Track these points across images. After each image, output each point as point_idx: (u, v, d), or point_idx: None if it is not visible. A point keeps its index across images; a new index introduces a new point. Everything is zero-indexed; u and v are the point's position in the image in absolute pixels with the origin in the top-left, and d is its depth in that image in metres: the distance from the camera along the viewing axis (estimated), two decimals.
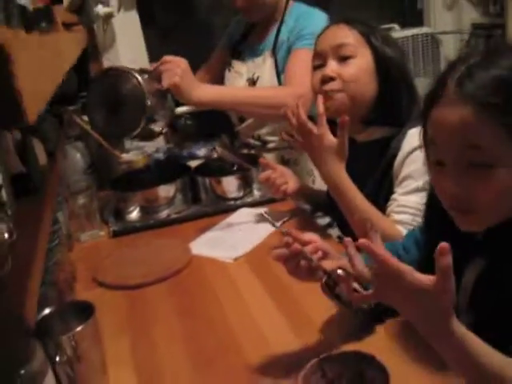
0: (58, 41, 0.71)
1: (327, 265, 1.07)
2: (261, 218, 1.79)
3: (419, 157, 1.32)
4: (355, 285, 1.07)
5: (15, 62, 0.32)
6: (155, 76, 1.67)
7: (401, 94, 1.42)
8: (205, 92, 1.74)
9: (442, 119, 0.90)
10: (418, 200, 1.33)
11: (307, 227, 1.70)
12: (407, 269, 0.82)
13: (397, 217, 1.36)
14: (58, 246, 1.38)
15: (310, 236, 1.10)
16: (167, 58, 1.70)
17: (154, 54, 2.92)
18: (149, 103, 1.63)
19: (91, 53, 2.62)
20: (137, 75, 1.63)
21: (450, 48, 3.37)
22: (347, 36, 1.43)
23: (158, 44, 3.04)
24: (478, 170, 0.88)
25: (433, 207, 1.07)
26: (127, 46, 2.80)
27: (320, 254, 1.09)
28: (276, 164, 1.78)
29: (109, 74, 1.69)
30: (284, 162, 2.13)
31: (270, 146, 2.15)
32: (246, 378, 1.09)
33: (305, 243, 1.07)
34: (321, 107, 1.34)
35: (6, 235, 0.81)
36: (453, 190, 0.91)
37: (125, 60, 2.76)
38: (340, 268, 1.07)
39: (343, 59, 1.42)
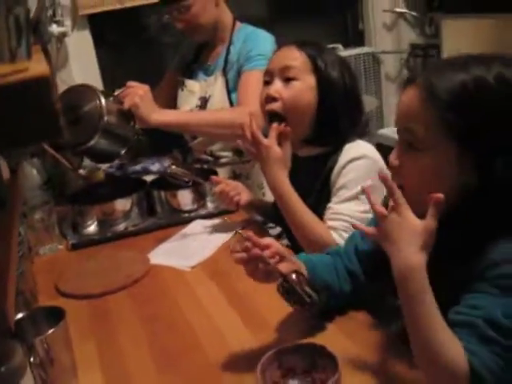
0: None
1: (283, 268, 1.16)
2: (215, 229, 1.88)
3: (353, 168, 1.47)
4: (307, 288, 1.16)
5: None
6: (119, 99, 1.78)
7: (341, 117, 1.53)
8: (163, 115, 1.88)
9: (401, 98, 1.04)
10: (351, 207, 1.46)
11: (259, 237, 1.80)
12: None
13: (331, 223, 1.48)
14: (23, 257, 1.44)
15: (268, 241, 1.18)
16: (131, 83, 1.83)
17: (106, 73, 2.99)
18: (105, 119, 1.73)
19: None
20: (99, 94, 1.72)
21: (390, 66, 3.54)
22: (295, 59, 1.54)
23: (109, 63, 3.10)
24: (411, 150, 1.01)
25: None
26: (80, 65, 2.86)
27: (277, 258, 1.17)
28: (227, 180, 1.88)
29: (73, 90, 1.79)
30: (236, 176, 2.24)
31: (222, 161, 2.24)
32: (208, 375, 1.17)
33: (263, 248, 1.15)
34: (254, 125, 1.48)
35: None
36: (392, 163, 1.06)
37: (78, 79, 2.81)
38: (295, 272, 1.18)
39: (287, 80, 1.53)
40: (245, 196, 1.82)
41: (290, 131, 1.47)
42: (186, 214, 2.02)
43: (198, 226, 1.95)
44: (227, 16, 2.23)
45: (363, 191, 1.07)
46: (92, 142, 1.78)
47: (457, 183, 0.99)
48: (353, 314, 1.30)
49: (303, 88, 1.52)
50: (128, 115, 1.83)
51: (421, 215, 0.99)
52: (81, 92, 1.79)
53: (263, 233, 1.86)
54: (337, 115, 1.52)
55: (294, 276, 1.16)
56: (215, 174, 2.10)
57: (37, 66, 0.48)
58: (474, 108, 0.96)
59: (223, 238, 1.82)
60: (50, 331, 1.08)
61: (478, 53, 1.04)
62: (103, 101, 1.74)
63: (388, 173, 1.08)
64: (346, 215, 1.46)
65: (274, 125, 1.49)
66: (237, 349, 1.23)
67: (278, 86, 1.54)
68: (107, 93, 1.82)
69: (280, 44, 1.66)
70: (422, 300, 0.92)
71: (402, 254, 0.94)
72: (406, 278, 0.94)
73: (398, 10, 3.45)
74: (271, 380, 1.04)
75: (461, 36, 3.08)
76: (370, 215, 1.41)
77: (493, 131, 0.95)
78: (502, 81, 0.96)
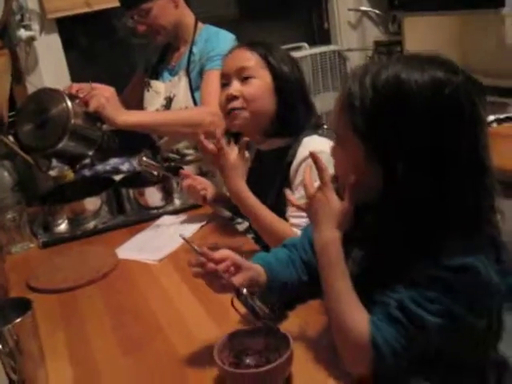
0: (4, 66, 0.85)
1: (237, 280, 1.19)
2: (181, 224, 1.95)
3: (309, 164, 1.53)
4: (258, 302, 1.20)
5: None
6: (84, 101, 1.84)
7: (297, 108, 1.62)
8: (129, 116, 1.94)
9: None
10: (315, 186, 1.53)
11: (227, 232, 1.88)
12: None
13: (293, 220, 1.56)
14: None
15: (223, 253, 1.22)
16: (95, 85, 1.88)
17: (76, 76, 3.04)
18: (72, 122, 1.79)
19: (14, 75, 2.71)
20: (66, 97, 1.78)
21: (355, 64, 3.61)
22: (248, 59, 1.62)
23: (79, 66, 3.15)
24: (336, 145, 1.13)
25: None
26: (50, 68, 2.91)
27: (232, 269, 1.21)
28: (195, 175, 1.95)
29: (42, 93, 1.84)
30: (202, 173, 2.30)
31: (188, 158, 2.31)
32: (171, 360, 1.23)
33: (218, 261, 1.19)
34: (218, 132, 1.55)
35: None
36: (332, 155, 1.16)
37: (48, 82, 2.86)
38: (249, 285, 1.21)
39: (245, 79, 1.61)
40: (211, 190, 1.89)
41: (246, 142, 1.55)
42: (154, 211, 2.08)
43: (165, 221, 2.01)
44: (188, 17, 2.29)
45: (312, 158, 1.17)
46: (60, 145, 1.84)
47: (369, 183, 1.06)
48: (310, 302, 1.37)
49: (261, 84, 1.61)
50: (94, 117, 1.89)
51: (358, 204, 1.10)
52: (47, 95, 1.85)
53: (230, 228, 1.93)
54: (293, 106, 1.61)
55: (245, 290, 1.18)
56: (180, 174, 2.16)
57: None
58: (379, 117, 1.00)
59: (189, 232, 1.88)
60: (18, 320, 1.14)
61: (393, 56, 1.11)
62: (69, 104, 1.79)
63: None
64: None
65: (218, 132, 1.55)
66: (199, 336, 1.30)
67: (236, 85, 1.62)
68: (73, 95, 1.87)
69: (231, 48, 1.72)
70: (334, 270, 1.06)
71: (320, 229, 1.10)
72: (321, 250, 1.09)
73: (363, 8, 3.54)
74: (228, 361, 1.11)
75: (422, 33, 3.18)
76: None
77: (394, 135, 0.99)
78: (408, 85, 0.98)
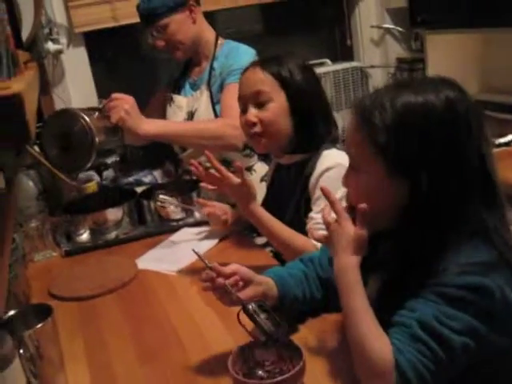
0: (33, 79, 0.89)
1: (245, 294, 1.23)
2: (201, 236, 1.98)
3: (328, 177, 1.56)
4: (263, 317, 1.19)
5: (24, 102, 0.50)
6: (104, 112, 1.87)
7: (315, 122, 1.63)
8: (150, 126, 1.96)
9: (349, 120, 1.13)
10: (332, 216, 1.54)
11: (246, 245, 1.90)
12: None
13: (314, 233, 1.56)
14: (16, 262, 1.53)
15: (232, 268, 1.25)
16: (115, 95, 1.92)
17: (101, 88, 3.10)
18: (97, 140, 1.82)
19: (41, 87, 2.77)
20: (85, 116, 1.81)
21: (378, 80, 3.64)
22: (262, 82, 1.62)
23: (105, 78, 3.21)
24: (352, 171, 1.13)
25: None
26: (76, 80, 2.96)
27: (241, 284, 1.24)
28: (213, 202, 1.97)
29: (60, 116, 1.88)
30: None
31: (210, 171, 2.33)
32: (187, 368, 1.26)
33: (227, 276, 1.22)
34: (214, 162, 1.61)
35: None
36: (344, 182, 1.17)
37: (74, 94, 2.92)
38: (259, 299, 1.23)
39: (261, 105, 1.62)
40: (231, 214, 1.92)
41: (241, 168, 1.58)
42: (175, 223, 2.11)
43: (185, 233, 2.04)
44: (208, 32, 2.32)
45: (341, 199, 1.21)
46: (89, 165, 1.88)
47: (392, 202, 1.08)
48: (325, 315, 1.39)
49: (277, 106, 1.62)
50: (115, 128, 1.91)
51: (378, 229, 1.12)
52: (66, 116, 1.88)
53: (249, 242, 1.95)
54: (310, 122, 1.63)
55: (251, 306, 1.20)
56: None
57: (15, 85, 0.58)
58: (402, 131, 1.03)
59: (208, 244, 1.92)
60: (39, 325, 1.17)
61: (408, 78, 1.14)
62: (90, 123, 1.82)
63: None
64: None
65: (236, 164, 1.59)
66: (214, 345, 1.33)
67: (254, 111, 1.64)
68: (92, 108, 1.90)
69: (244, 69, 1.72)
70: (353, 295, 1.06)
71: (338, 257, 1.11)
72: (339, 275, 1.09)
73: (385, 25, 3.55)
74: (242, 371, 1.13)
75: (445, 50, 3.18)
76: None
77: (416, 147, 1.03)
78: (425, 106, 1.04)
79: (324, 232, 1.52)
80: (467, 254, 1.02)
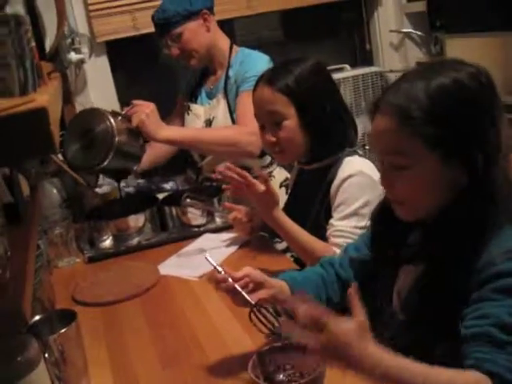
0: (56, 90, 0.92)
1: (256, 297, 1.24)
2: (222, 242, 1.99)
3: (350, 185, 1.57)
4: (270, 317, 1.24)
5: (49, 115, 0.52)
6: (127, 117, 1.91)
7: (329, 126, 1.63)
8: (168, 131, 2.00)
9: (373, 128, 1.13)
10: (352, 224, 1.58)
11: (266, 251, 1.92)
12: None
13: (334, 240, 1.60)
14: (41, 268, 1.56)
15: (244, 271, 1.27)
16: (137, 101, 1.95)
17: (123, 96, 3.14)
18: (117, 139, 1.86)
19: (64, 96, 2.82)
20: (109, 116, 1.86)
21: None
22: (273, 102, 1.63)
23: (126, 86, 3.25)
24: (397, 169, 1.09)
25: (379, 217, 1.29)
26: (98, 89, 3.01)
27: (251, 286, 1.26)
28: (238, 206, 1.98)
29: (84, 115, 1.92)
30: None
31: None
32: (208, 372, 1.28)
33: (238, 279, 1.25)
34: (237, 169, 1.63)
35: (3, 251, 1.02)
36: (383, 183, 1.15)
37: (96, 102, 2.96)
38: (270, 301, 1.25)
39: (277, 124, 1.64)
40: (256, 220, 1.93)
41: (266, 176, 1.62)
42: (196, 229, 2.13)
43: (206, 239, 2.06)
44: (222, 40, 2.35)
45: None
46: (106, 162, 1.91)
47: (449, 185, 1.08)
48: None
49: (293, 124, 1.63)
50: (137, 132, 1.96)
51: (422, 219, 1.13)
52: (90, 115, 1.93)
53: (270, 247, 1.96)
54: (322, 124, 1.63)
55: (258, 307, 1.23)
56: (224, 190, 2.21)
57: (40, 98, 0.60)
58: (446, 116, 1.05)
59: (229, 250, 1.93)
60: (63, 330, 1.20)
61: (422, 65, 1.15)
62: (113, 122, 1.87)
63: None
64: (346, 232, 1.58)
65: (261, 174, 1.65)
66: (235, 350, 1.35)
67: (271, 131, 1.66)
68: (115, 112, 1.94)
69: (256, 82, 1.73)
70: (394, 371, 0.91)
71: (355, 359, 0.92)
72: (372, 372, 0.91)
73: (404, 30, 3.55)
74: (262, 376, 1.15)
75: (464, 54, 3.15)
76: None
77: (464, 129, 1.04)
78: (456, 83, 1.05)
79: (346, 239, 1.54)
80: (506, 241, 1.03)
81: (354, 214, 1.58)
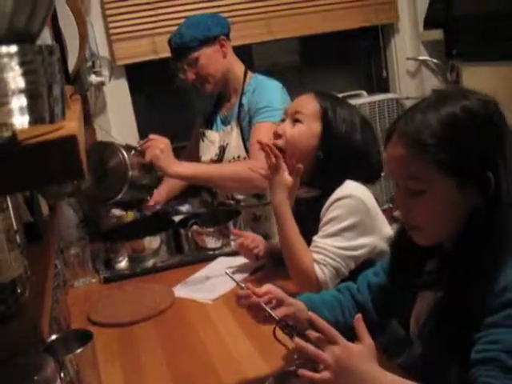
0: (80, 114, 0.95)
1: (279, 313, 1.25)
2: (236, 266, 2.00)
3: (338, 206, 1.58)
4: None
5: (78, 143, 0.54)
6: (141, 151, 1.94)
7: (339, 167, 1.63)
8: (181, 167, 2.03)
9: (388, 155, 1.16)
10: (333, 243, 1.58)
11: (280, 275, 1.90)
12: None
13: (314, 256, 1.58)
14: (58, 287, 1.58)
15: (266, 288, 1.28)
16: (152, 136, 2.00)
17: (141, 119, 3.19)
18: (130, 174, 1.89)
19: (84, 118, 2.86)
20: (122, 150, 1.89)
21: None
22: (307, 105, 1.67)
23: (144, 109, 3.30)
24: (413, 194, 1.12)
25: (397, 244, 1.31)
26: (117, 111, 3.05)
27: (274, 302, 1.27)
28: (247, 232, 2.01)
29: (98, 147, 1.96)
30: (256, 217, 2.36)
31: (243, 204, 2.37)
32: None
33: (261, 295, 1.26)
34: (276, 151, 1.60)
35: (23, 270, 1.04)
36: (400, 210, 1.17)
37: (114, 125, 3.01)
38: (287, 317, 1.26)
39: (295, 122, 1.67)
40: (263, 247, 1.94)
41: (301, 169, 1.59)
42: (211, 252, 2.15)
43: (221, 262, 2.08)
44: (238, 67, 2.36)
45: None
46: (119, 196, 1.94)
47: (464, 208, 1.10)
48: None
49: (306, 131, 1.65)
50: (150, 166, 1.98)
51: (439, 244, 1.15)
52: (104, 148, 1.95)
53: (283, 272, 1.95)
54: (335, 165, 1.63)
55: (285, 322, 1.23)
56: (239, 213, 2.24)
57: (69, 125, 0.62)
58: (457, 142, 1.08)
59: (244, 274, 1.94)
60: (79, 350, 1.21)
61: (433, 94, 1.19)
62: (126, 156, 1.89)
63: (374, 210, 1.21)
64: (327, 250, 1.57)
65: (298, 166, 1.60)
66: (250, 374, 1.35)
67: (286, 125, 1.69)
68: (129, 146, 1.97)
69: (303, 91, 1.76)
70: None
71: (371, 377, 1.02)
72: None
73: (421, 57, 3.58)
74: None
75: (480, 82, 3.18)
76: (349, 252, 1.57)
77: (476, 154, 1.08)
78: (467, 111, 1.09)
79: (324, 257, 1.56)
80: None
81: (337, 234, 1.58)
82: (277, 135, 1.69)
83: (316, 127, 1.65)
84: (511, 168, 1.10)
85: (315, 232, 1.65)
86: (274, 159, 1.59)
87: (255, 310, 1.26)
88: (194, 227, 2.15)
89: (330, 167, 1.64)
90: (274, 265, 1.99)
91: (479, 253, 1.08)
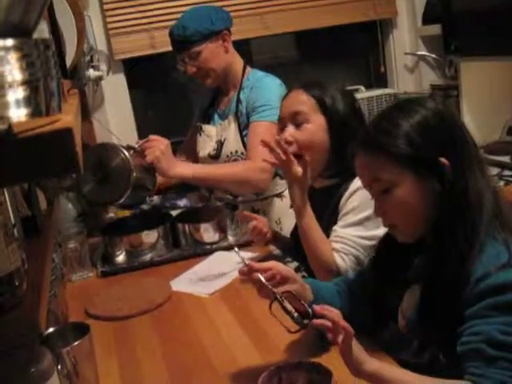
0: (77, 108, 0.95)
1: (281, 289, 1.26)
2: (234, 260, 2.00)
3: (359, 195, 1.59)
4: (289, 306, 1.24)
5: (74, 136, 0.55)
6: (140, 151, 1.94)
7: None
8: (181, 168, 2.05)
9: (356, 162, 1.24)
10: (354, 232, 1.59)
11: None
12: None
13: (334, 245, 1.59)
14: (55, 280, 1.59)
15: (269, 264, 1.29)
16: (152, 137, 2.00)
17: (139, 113, 3.19)
18: (134, 175, 1.90)
19: (82, 113, 2.86)
20: (125, 151, 1.89)
21: None
22: (302, 103, 1.65)
23: (142, 103, 3.30)
24: (383, 194, 1.19)
25: (385, 243, 1.36)
26: (115, 106, 3.05)
27: (278, 278, 1.28)
28: (256, 215, 2.00)
29: (100, 149, 1.96)
30: (254, 212, 2.35)
31: (240, 199, 2.38)
32: None
33: (262, 271, 1.27)
34: (284, 145, 1.58)
35: (20, 263, 1.04)
36: (377, 212, 1.23)
37: (112, 119, 3.01)
38: (286, 292, 1.26)
39: (299, 125, 1.65)
40: (270, 231, 1.94)
41: (306, 160, 1.58)
42: (208, 246, 2.15)
43: (218, 256, 2.08)
44: (238, 62, 2.36)
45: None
46: (123, 199, 1.94)
47: (430, 194, 1.16)
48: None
49: (315, 129, 1.64)
50: (149, 167, 1.99)
51: (416, 240, 1.21)
52: (106, 150, 1.95)
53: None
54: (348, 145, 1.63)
55: (281, 295, 1.23)
56: (236, 208, 2.24)
57: (65, 118, 0.62)
58: (410, 137, 1.15)
59: (241, 267, 1.94)
60: (76, 343, 1.22)
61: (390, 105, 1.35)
62: (129, 158, 1.89)
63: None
64: (348, 239, 1.58)
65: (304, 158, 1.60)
66: (245, 367, 1.36)
67: (291, 130, 1.66)
68: (129, 146, 1.97)
69: (288, 89, 1.76)
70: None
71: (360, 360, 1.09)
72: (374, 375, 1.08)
73: (419, 52, 3.58)
74: None
75: (479, 77, 3.19)
76: (370, 242, 1.56)
77: (432, 148, 1.16)
78: (437, 112, 1.18)
79: (345, 246, 1.58)
80: (497, 256, 1.09)
81: (359, 223, 1.59)
82: (288, 143, 1.64)
83: (320, 120, 1.64)
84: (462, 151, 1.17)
85: (326, 218, 1.66)
86: (283, 156, 1.58)
87: (259, 285, 1.26)
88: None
89: (342, 154, 1.64)
90: (275, 255, 2.02)
91: (453, 238, 1.13)
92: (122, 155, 1.90)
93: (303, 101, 1.66)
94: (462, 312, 1.08)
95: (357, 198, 1.60)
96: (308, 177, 1.60)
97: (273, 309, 1.23)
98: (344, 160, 1.63)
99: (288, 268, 1.33)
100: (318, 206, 1.73)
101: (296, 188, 1.60)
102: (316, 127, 1.64)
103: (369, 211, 1.57)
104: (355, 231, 1.58)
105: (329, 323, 1.10)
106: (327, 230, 1.65)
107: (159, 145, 1.97)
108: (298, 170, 1.58)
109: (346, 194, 1.63)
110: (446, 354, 1.13)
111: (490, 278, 1.06)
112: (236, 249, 1.39)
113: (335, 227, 1.63)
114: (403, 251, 1.27)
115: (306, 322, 1.20)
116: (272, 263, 1.30)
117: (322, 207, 1.71)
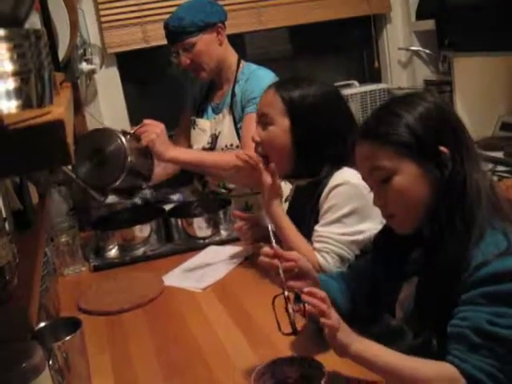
0: (69, 101, 0.94)
1: (293, 284, 1.24)
2: (226, 255, 2.01)
3: (336, 193, 1.59)
4: (290, 309, 1.23)
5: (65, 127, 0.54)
6: (136, 136, 1.93)
7: (318, 150, 1.63)
8: (176, 152, 2.05)
9: (356, 153, 1.24)
10: (333, 230, 1.60)
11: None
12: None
13: (316, 245, 1.61)
14: (47, 275, 1.57)
15: (294, 255, 1.27)
16: (147, 121, 1.98)
17: (132, 107, 3.17)
18: (129, 160, 1.88)
19: (74, 106, 2.84)
20: (120, 135, 1.88)
21: None
22: (269, 104, 1.66)
23: (135, 97, 3.28)
24: (383, 183, 1.19)
25: (382, 236, 1.36)
26: (108, 99, 3.04)
27: (296, 270, 1.25)
28: (246, 214, 2.01)
29: (95, 134, 1.95)
30: (248, 206, 2.36)
31: (234, 193, 2.37)
32: None
33: (286, 260, 1.24)
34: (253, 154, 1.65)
35: (11, 257, 1.03)
36: (376, 203, 1.23)
37: (105, 113, 3.00)
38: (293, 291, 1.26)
39: (265, 126, 1.67)
40: (258, 229, 1.95)
41: (274, 168, 1.62)
42: (201, 241, 2.15)
43: (211, 251, 2.08)
44: (231, 55, 2.35)
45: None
46: (118, 182, 1.93)
47: (429, 182, 1.17)
48: None
49: (277, 131, 1.64)
50: (146, 151, 1.98)
51: (413, 231, 1.20)
52: (101, 134, 1.95)
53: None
54: (315, 149, 1.63)
55: (286, 293, 1.21)
56: (229, 202, 2.24)
57: (57, 109, 0.62)
58: (409, 127, 1.16)
59: (234, 263, 1.94)
60: (68, 338, 1.21)
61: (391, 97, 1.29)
62: (125, 141, 1.88)
63: (371, 196, 1.23)
64: (328, 238, 1.60)
65: (270, 164, 1.64)
66: (238, 362, 1.35)
67: (259, 130, 1.69)
68: (124, 131, 1.96)
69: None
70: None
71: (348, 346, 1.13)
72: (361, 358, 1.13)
73: (413, 47, 3.57)
74: None
75: (472, 73, 3.19)
76: (351, 237, 1.58)
77: (432, 137, 1.17)
78: (437, 105, 1.20)
79: (326, 245, 1.59)
80: (496, 243, 1.10)
81: (337, 221, 1.60)
82: (256, 143, 1.69)
83: (285, 123, 1.64)
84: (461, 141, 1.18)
85: (307, 216, 1.67)
86: (255, 171, 1.62)
87: (275, 272, 1.24)
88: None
89: (308, 154, 1.65)
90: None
91: (452, 225, 1.14)
92: (118, 139, 1.89)
93: (271, 102, 1.66)
94: (458, 298, 1.09)
95: (333, 196, 1.61)
96: (278, 183, 1.64)
97: (276, 303, 1.20)
98: (311, 160, 1.65)
99: (308, 264, 1.30)
100: (301, 204, 1.74)
101: (268, 196, 1.64)
102: (279, 129, 1.65)
103: (348, 208, 1.60)
104: (335, 229, 1.60)
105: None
106: (309, 227, 1.65)
107: (154, 128, 1.97)
108: (268, 179, 1.62)
109: (326, 190, 1.64)
110: (438, 340, 1.13)
111: (488, 266, 1.07)
112: (270, 224, 1.35)
113: (316, 227, 1.65)
114: (400, 245, 1.27)
115: (299, 329, 1.19)
116: (296, 255, 1.28)
117: (303, 204, 1.72)
